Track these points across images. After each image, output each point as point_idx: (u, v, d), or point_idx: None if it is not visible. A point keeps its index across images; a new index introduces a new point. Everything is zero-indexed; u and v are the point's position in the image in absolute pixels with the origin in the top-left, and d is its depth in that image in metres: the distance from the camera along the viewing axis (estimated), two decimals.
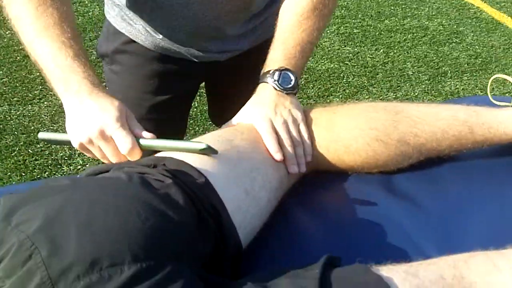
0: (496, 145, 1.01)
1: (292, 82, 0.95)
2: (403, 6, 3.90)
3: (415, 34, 3.49)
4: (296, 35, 0.98)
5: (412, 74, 3.08)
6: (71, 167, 2.17)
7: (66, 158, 2.22)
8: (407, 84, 2.98)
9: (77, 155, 2.22)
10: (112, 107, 0.83)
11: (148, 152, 0.86)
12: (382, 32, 3.54)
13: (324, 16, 1.02)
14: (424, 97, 2.86)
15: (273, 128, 0.91)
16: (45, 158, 2.20)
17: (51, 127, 2.39)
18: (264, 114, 0.92)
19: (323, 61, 3.14)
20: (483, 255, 0.76)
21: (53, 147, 2.25)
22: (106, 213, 0.66)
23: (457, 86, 2.97)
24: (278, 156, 0.89)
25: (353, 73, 3.06)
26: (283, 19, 1.02)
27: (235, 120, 0.96)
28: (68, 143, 0.85)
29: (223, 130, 0.95)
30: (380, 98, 2.82)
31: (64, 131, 0.88)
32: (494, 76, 1.12)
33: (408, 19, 3.71)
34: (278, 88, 0.94)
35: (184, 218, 0.71)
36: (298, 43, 0.98)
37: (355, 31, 3.53)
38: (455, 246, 0.87)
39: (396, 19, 3.70)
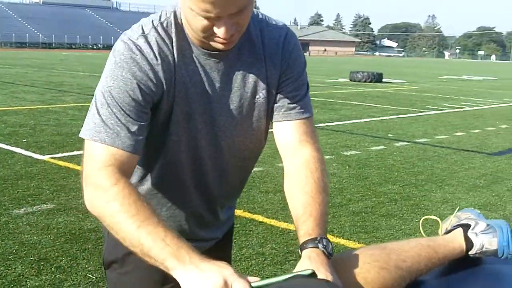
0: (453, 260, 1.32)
1: (331, 248, 1.17)
2: None
3: None
4: (316, 208, 1.23)
5: None
6: None
7: None
8: None
9: None
10: (223, 264, 1.03)
11: None
12: None
13: (325, 190, 1.29)
14: None
15: None
16: None
17: None
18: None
19: None
20: None
21: None
22: None
23: None
24: None
25: None
26: (298, 199, 1.26)
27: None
28: None
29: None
30: None
31: None
32: (424, 217, 1.47)
33: None
34: (326, 253, 1.16)
35: None
36: (321, 213, 1.23)
37: None
38: None
39: None
